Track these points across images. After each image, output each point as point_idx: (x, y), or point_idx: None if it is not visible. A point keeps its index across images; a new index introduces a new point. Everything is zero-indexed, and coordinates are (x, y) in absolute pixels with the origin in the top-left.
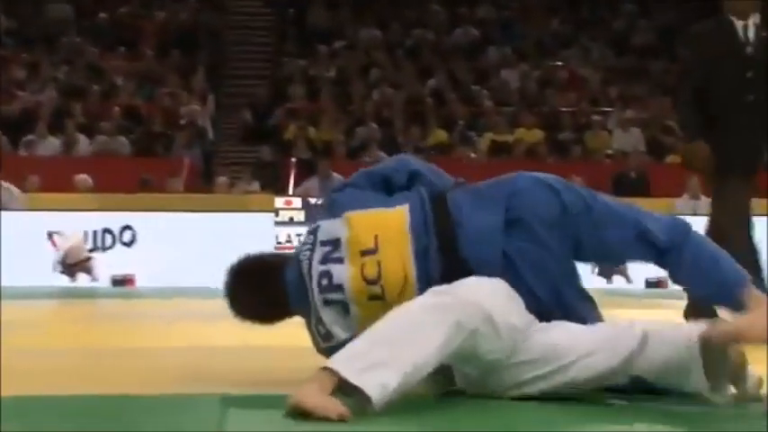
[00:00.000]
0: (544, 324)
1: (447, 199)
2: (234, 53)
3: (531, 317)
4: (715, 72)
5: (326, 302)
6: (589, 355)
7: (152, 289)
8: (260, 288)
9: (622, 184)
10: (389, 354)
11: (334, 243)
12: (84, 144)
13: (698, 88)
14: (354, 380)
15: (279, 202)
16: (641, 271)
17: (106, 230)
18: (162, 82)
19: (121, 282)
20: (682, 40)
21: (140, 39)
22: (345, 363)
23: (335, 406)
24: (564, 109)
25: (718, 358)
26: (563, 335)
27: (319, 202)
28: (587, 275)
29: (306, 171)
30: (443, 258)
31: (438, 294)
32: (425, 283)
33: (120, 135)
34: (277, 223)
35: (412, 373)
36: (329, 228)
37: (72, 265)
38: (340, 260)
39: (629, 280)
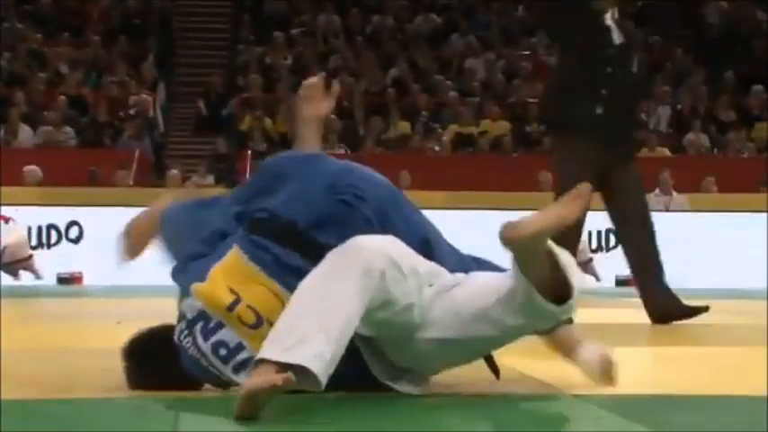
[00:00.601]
0: (450, 282)
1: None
2: (186, 39)
3: (439, 268)
4: (579, 36)
5: (236, 369)
6: (493, 305)
7: (100, 287)
8: (168, 377)
9: None
10: (311, 324)
11: (203, 316)
12: (27, 135)
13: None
14: (289, 359)
15: None
16: (611, 269)
17: (51, 226)
18: (109, 70)
19: (68, 280)
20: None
21: (86, 24)
22: (273, 348)
23: (278, 375)
24: (531, 100)
25: (528, 253)
26: (465, 291)
27: None
28: None
29: None
30: (290, 243)
31: (336, 254)
32: (296, 278)
33: (66, 125)
34: None
35: (340, 335)
36: (189, 306)
37: (9, 263)
38: (221, 324)
39: (598, 278)
